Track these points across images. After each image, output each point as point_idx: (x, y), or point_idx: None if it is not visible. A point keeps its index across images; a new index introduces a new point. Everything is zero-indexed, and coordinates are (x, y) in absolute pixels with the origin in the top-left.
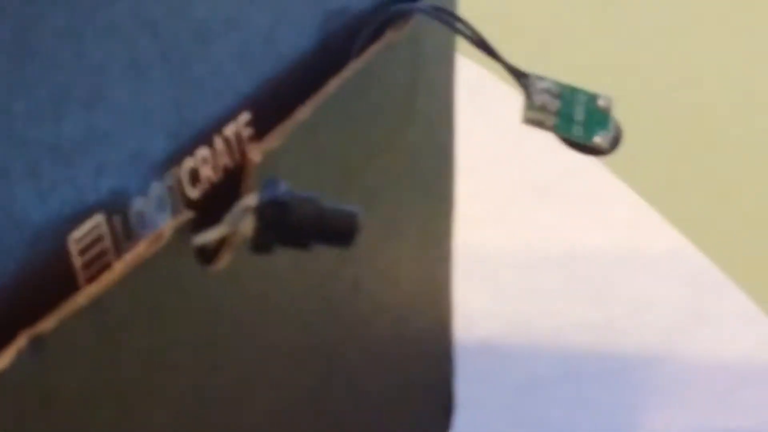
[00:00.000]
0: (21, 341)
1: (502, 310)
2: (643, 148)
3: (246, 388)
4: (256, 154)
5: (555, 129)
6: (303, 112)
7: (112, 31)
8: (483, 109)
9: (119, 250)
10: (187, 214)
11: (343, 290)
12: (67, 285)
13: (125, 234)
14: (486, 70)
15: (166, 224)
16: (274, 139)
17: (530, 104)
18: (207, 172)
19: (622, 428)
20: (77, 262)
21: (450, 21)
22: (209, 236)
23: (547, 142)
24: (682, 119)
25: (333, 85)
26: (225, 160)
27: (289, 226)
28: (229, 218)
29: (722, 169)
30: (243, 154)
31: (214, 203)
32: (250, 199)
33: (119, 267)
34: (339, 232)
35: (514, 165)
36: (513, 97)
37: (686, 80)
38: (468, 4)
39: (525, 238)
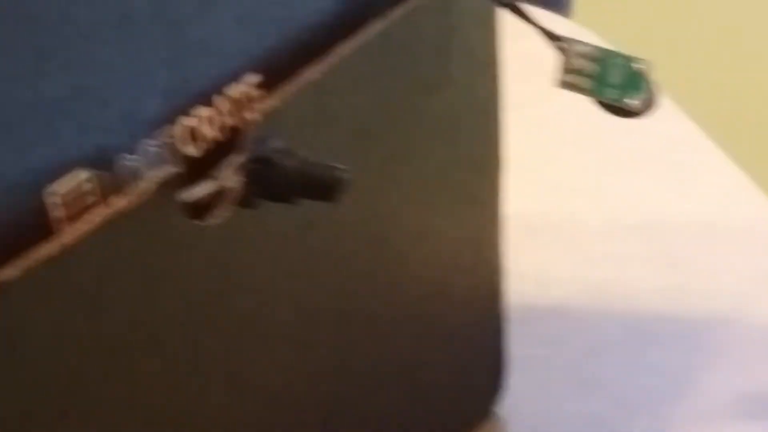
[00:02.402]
0: None
1: (579, 276)
2: (748, 120)
3: (247, 346)
4: (253, 113)
5: (590, 92)
6: (310, 74)
7: None
8: None
9: (106, 204)
10: (172, 170)
11: (365, 250)
12: (47, 237)
13: (115, 189)
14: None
15: (148, 179)
16: (274, 99)
17: (566, 67)
18: (209, 132)
19: (681, 389)
20: (57, 214)
21: None
22: (198, 192)
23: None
24: None
25: (347, 47)
26: (230, 120)
27: (274, 182)
28: (217, 175)
29: None
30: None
31: (217, 161)
32: (238, 157)
33: (95, 218)
34: (323, 187)
35: (609, 134)
36: None
37: None
38: None
39: (610, 208)
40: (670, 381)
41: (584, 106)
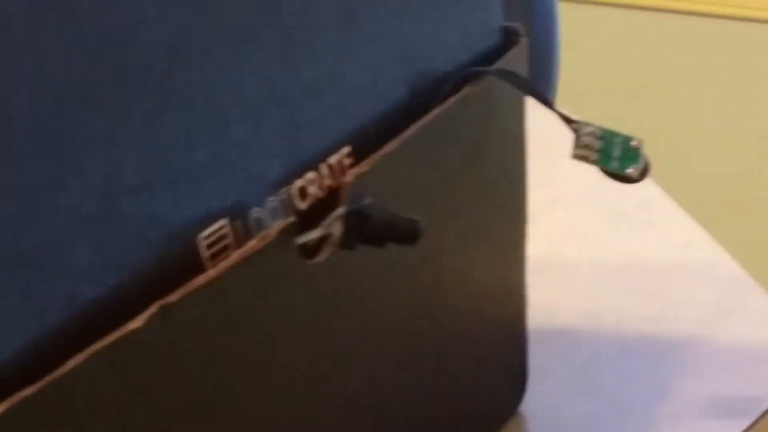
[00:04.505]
0: (153, 308)
1: (577, 306)
2: (703, 183)
3: (341, 363)
4: (349, 176)
5: (597, 162)
6: (389, 147)
7: (236, 87)
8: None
9: (240, 247)
10: (290, 220)
11: (425, 285)
12: (197, 273)
13: (246, 235)
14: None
15: (271, 227)
16: (364, 166)
17: (578, 144)
18: (314, 190)
19: (661, 394)
20: (205, 254)
21: (515, 81)
22: (309, 237)
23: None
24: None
25: (415, 127)
26: (329, 181)
27: (367, 230)
28: (324, 223)
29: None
30: (342, 176)
31: (320, 213)
32: (340, 209)
33: (233, 257)
34: (405, 234)
35: (599, 197)
36: None
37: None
38: None
39: (601, 253)
40: (653, 387)
41: (575, 175)
